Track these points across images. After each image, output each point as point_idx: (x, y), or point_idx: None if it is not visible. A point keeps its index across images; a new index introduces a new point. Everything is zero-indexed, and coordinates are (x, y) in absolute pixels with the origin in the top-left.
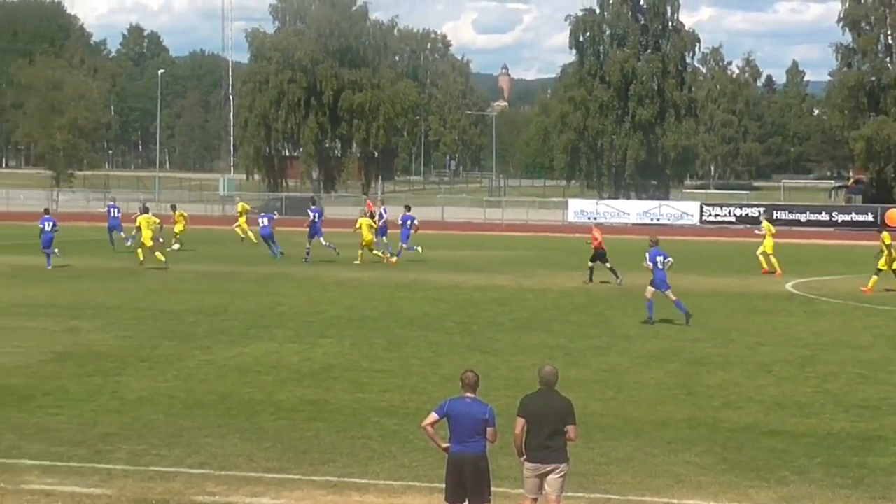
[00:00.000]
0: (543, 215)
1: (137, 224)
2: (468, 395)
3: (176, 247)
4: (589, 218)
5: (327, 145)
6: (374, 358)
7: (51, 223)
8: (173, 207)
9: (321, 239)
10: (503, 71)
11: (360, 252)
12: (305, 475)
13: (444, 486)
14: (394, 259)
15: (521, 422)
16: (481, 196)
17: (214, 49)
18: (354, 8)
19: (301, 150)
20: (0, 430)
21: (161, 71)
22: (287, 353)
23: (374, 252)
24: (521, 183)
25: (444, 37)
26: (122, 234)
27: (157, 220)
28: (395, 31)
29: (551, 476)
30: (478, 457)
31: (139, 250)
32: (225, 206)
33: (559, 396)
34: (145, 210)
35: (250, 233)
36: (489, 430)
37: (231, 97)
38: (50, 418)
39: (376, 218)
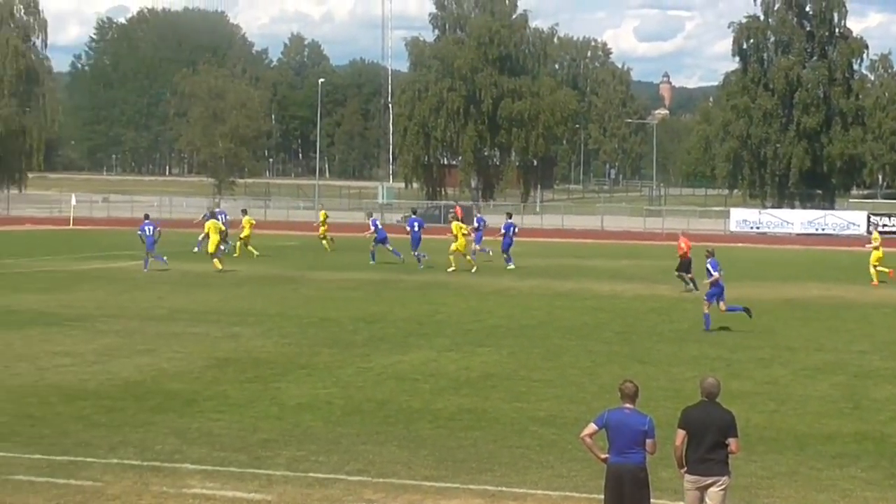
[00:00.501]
0: (704, 225)
1: (206, 230)
2: (627, 405)
3: (234, 253)
4: (751, 228)
5: (486, 154)
6: (533, 367)
7: (151, 227)
8: (244, 212)
9: (415, 251)
10: (664, 79)
11: (450, 258)
12: (463, 484)
13: (602, 497)
14: (474, 267)
15: (681, 433)
16: (641, 205)
17: (374, 58)
18: (514, 16)
19: (460, 158)
20: (163, 434)
21: (321, 80)
22: (445, 362)
23: (468, 258)
24: (682, 192)
25: (605, 44)
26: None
27: (223, 227)
28: (555, 39)
29: (712, 489)
30: (637, 468)
31: (216, 260)
32: (384, 215)
33: (721, 408)
34: (212, 216)
35: (325, 242)
36: (648, 441)
37: (390, 106)
38: (211, 423)
39: (473, 225)
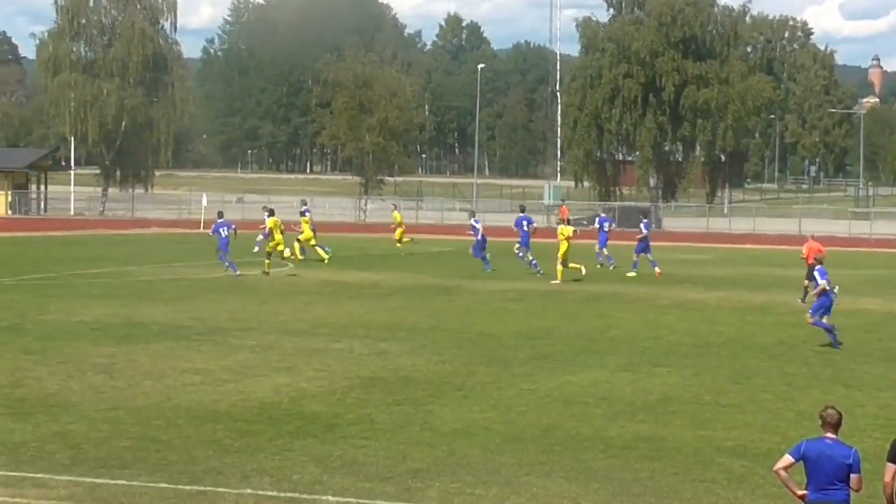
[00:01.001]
0: None
1: (267, 228)
2: (829, 435)
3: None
4: None
5: (667, 148)
6: (719, 391)
7: (226, 228)
8: (302, 213)
9: (484, 257)
10: (874, 62)
11: (558, 268)
12: None
13: None
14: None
15: (892, 468)
16: (846, 207)
17: (541, 41)
18: None
19: (637, 153)
20: (302, 462)
21: (481, 65)
22: (619, 383)
23: (571, 265)
24: (893, 191)
25: (805, 24)
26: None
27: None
28: (748, 18)
29: None
30: None
31: (289, 255)
32: (550, 217)
33: None
34: (271, 213)
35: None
36: (853, 476)
37: (558, 94)
38: (355, 450)
39: (599, 226)
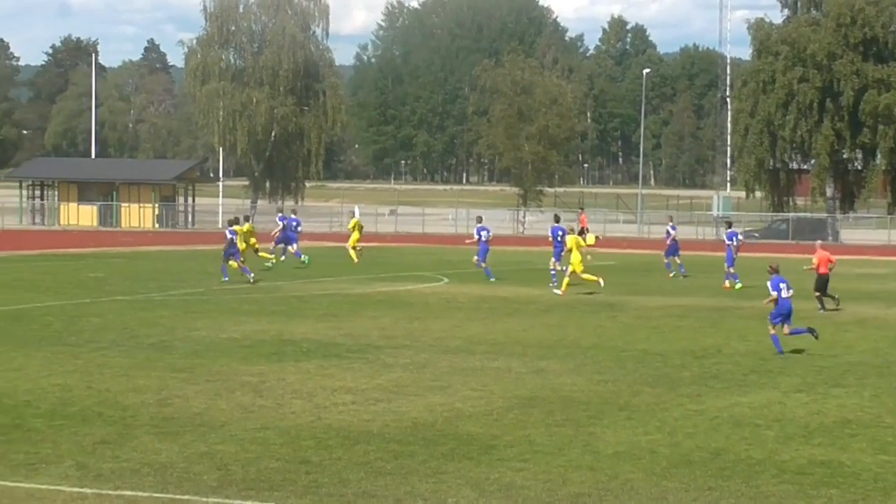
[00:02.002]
0: None
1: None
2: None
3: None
4: None
5: (845, 156)
6: None
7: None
8: (246, 219)
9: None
10: None
11: (585, 277)
12: None
13: None
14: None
15: None
16: None
17: (710, 43)
18: None
19: (812, 162)
20: (457, 486)
21: (646, 70)
22: (793, 405)
23: (585, 276)
24: None
25: None
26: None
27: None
28: None
29: None
30: None
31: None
32: (718, 229)
33: None
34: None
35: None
36: None
37: (728, 100)
38: (513, 473)
39: (671, 236)
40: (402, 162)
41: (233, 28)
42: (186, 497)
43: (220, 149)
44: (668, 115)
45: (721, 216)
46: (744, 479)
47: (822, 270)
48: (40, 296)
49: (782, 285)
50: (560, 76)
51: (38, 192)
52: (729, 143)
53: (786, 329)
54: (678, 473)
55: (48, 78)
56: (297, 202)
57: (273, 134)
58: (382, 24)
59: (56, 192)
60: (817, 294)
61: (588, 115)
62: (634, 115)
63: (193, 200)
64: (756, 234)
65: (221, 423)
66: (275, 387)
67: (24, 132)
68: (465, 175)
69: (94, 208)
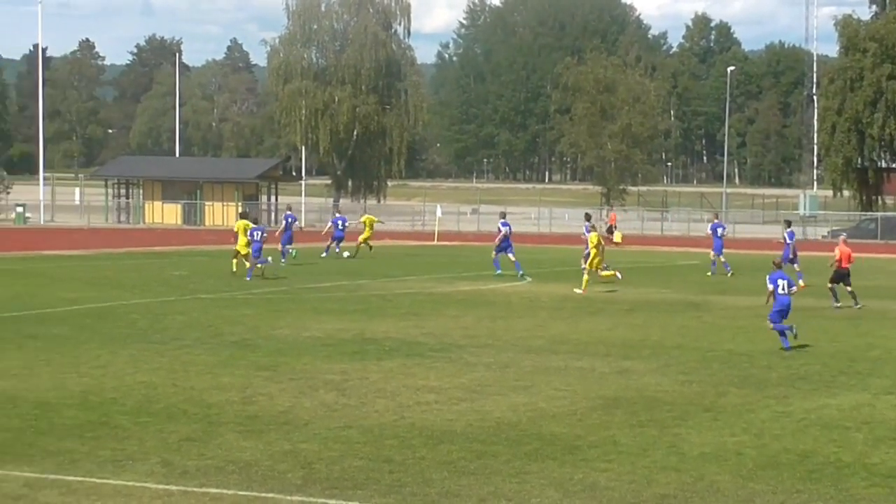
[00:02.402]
0: None
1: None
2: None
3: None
4: None
5: None
6: None
7: (260, 232)
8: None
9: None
10: None
11: (603, 274)
12: None
13: None
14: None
15: None
16: None
17: (796, 41)
18: None
19: None
20: (540, 486)
21: (731, 68)
22: (883, 407)
23: (603, 272)
24: None
25: None
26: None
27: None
28: None
29: None
30: None
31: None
32: (806, 228)
33: None
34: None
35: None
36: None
37: (815, 98)
38: (597, 474)
39: (712, 232)
40: (484, 160)
41: (315, 27)
42: (271, 495)
43: (303, 147)
44: (753, 112)
45: (808, 215)
46: (832, 482)
47: (844, 265)
48: (126, 293)
49: (781, 281)
50: (643, 74)
51: (123, 191)
52: (815, 141)
53: (770, 325)
54: (765, 476)
55: (133, 77)
56: (378, 201)
57: (355, 132)
58: (464, 22)
59: (141, 191)
60: (830, 286)
61: (671, 113)
62: (719, 113)
63: (276, 199)
64: (844, 234)
65: (305, 421)
66: (358, 385)
67: (110, 131)
68: (546, 174)
69: (179, 206)
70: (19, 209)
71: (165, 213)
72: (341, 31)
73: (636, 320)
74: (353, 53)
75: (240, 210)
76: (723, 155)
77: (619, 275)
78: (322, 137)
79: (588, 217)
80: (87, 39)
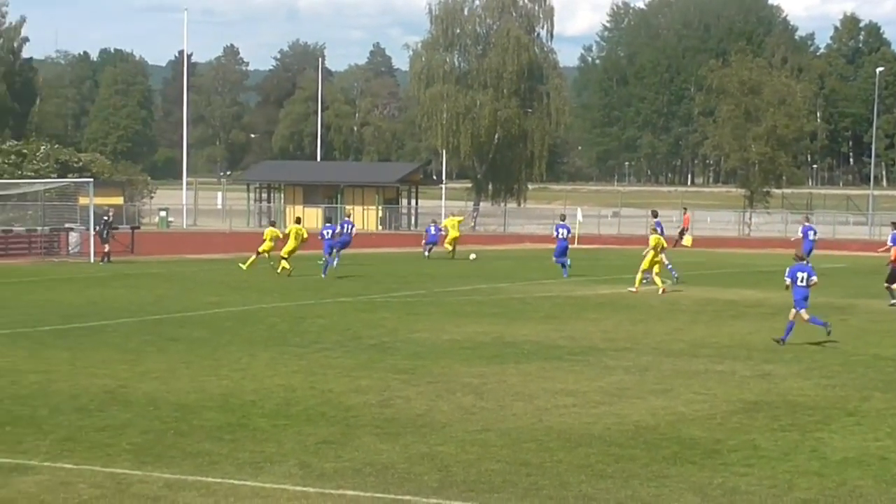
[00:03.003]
0: None
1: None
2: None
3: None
4: None
5: None
6: None
7: (331, 231)
8: (272, 223)
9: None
10: None
11: (658, 277)
12: None
13: None
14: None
15: None
16: None
17: None
18: None
19: None
20: (679, 490)
21: (880, 69)
22: None
23: (655, 277)
24: None
25: None
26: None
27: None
28: None
29: None
30: None
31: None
32: None
33: None
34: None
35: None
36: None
37: None
38: (737, 478)
39: (803, 235)
40: (626, 163)
41: (457, 31)
42: (408, 497)
43: (444, 151)
44: None
45: None
46: None
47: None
48: (266, 297)
49: (801, 274)
50: (789, 75)
51: (265, 195)
52: None
53: (805, 315)
54: None
55: (276, 82)
56: (519, 204)
57: (496, 136)
58: (607, 24)
59: (282, 195)
60: (886, 285)
61: (818, 115)
62: (867, 115)
63: (417, 202)
64: None
65: (442, 424)
66: (495, 389)
67: (253, 136)
68: (689, 176)
69: (319, 210)
70: (162, 213)
71: (306, 217)
72: (483, 35)
73: (779, 324)
74: (495, 57)
75: (295, 216)
76: (870, 157)
77: (663, 290)
78: (463, 141)
79: (655, 214)
80: (232, 45)
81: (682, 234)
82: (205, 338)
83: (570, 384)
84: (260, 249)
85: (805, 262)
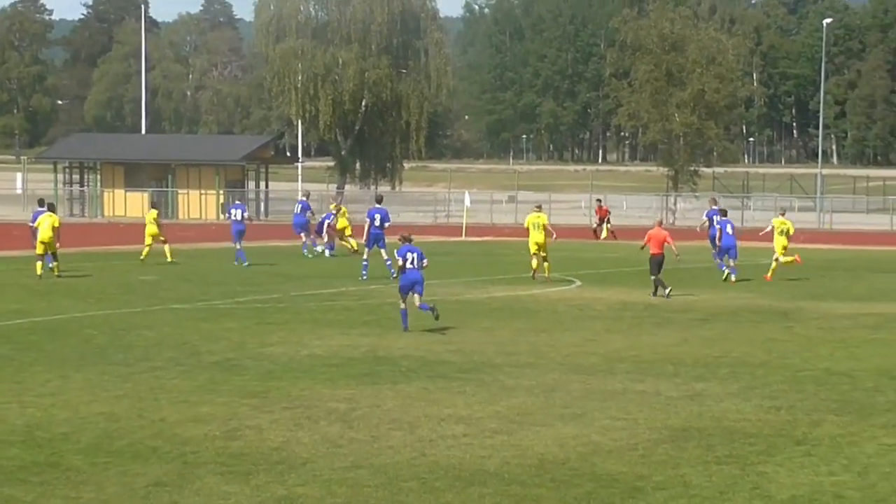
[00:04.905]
0: None
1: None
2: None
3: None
4: None
5: None
6: None
7: (240, 210)
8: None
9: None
10: None
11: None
12: None
13: None
14: None
15: None
16: None
17: None
18: None
19: None
20: None
21: (828, 20)
22: None
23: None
24: None
25: None
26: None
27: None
28: None
29: None
30: None
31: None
32: None
33: None
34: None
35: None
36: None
37: None
38: None
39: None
40: (524, 137)
41: None
42: None
43: (300, 122)
44: (855, 75)
45: None
46: None
47: None
48: (80, 303)
49: (410, 255)
50: (719, 29)
51: (76, 177)
52: None
53: (417, 301)
54: None
55: (88, 35)
56: (393, 187)
57: (364, 103)
58: None
59: (99, 177)
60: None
61: (754, 76)
62: (812, 77)
63: (267, 185)
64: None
65: (303, 460)
66: (368, 415)
67: (59, 102)
68: (601, 152)
69: (145, 196)
70: None
71: (129, 205)
72: None
73: (711, 332)
74: (360, 5)
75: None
76: (817, 128)
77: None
78: (323, 109)
79: (379, 199)
80: None
81: (600, 224)
82: (4, 355)
83: (459, 409)
84: (148, 234)
85: (411, 241)
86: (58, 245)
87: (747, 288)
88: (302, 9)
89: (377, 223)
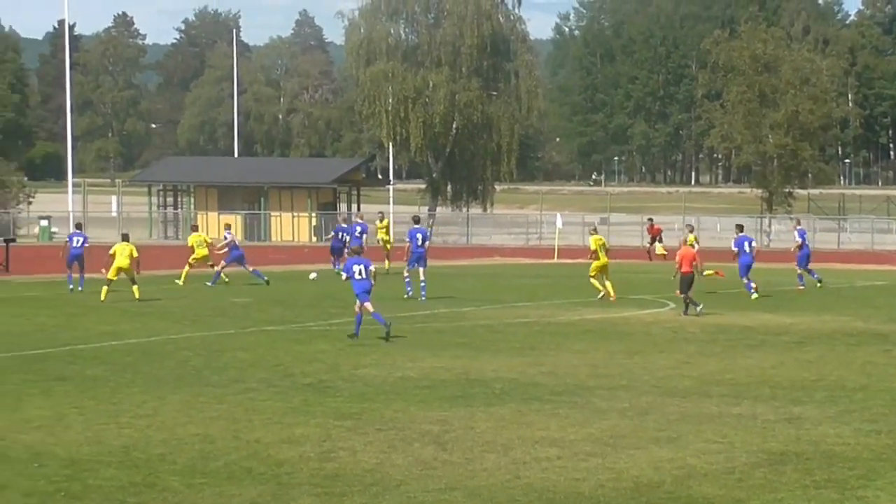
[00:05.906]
0: None
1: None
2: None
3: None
4: None
5: None
6: None
7: (80, 239)
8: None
9: None
10: None
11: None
12: None
13: None
14: None
15: None
16: None
17: None
18: None
19: None
20: None
21: None
22: None
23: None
24: None
25: None
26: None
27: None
28: None
29: None
30: None
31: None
32: None
33: None
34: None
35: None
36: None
37: None
38: None
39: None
40: (615, 159)
41: None
42: None
43: (390, 144)
44: None
45: None
46: None
47: None
48: (175, 325)
49: (357, 267)
50: (812, 49)
51: (170, 200)
52: None
53: (370, 307)
54: None
55: (180, 59)
56: (484, 209)
57: (454, 126)
58: None
59: (192, 199)
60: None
61: (849, 97)
62: None
63: (359, 208)
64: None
65: (397, 482)
66: (461, 437)
67: (153, 126)
68: (693, 174)
69: (238, 218)
70: (44, 223)
71: (222, 227)
72: (436, 2)
73: (808, 355)
74: (450, 27)
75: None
76: None
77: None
78: (413, 132)
79: (416, 220)
80: (124, 14)
81: (652, 243)
82: (101, 376)
83: (552, 431)
84: (191, 260)
85: (360, 254)
86: (137, 272)
87: (843, 310)
88: (392, 32)
89: (419, 242)
